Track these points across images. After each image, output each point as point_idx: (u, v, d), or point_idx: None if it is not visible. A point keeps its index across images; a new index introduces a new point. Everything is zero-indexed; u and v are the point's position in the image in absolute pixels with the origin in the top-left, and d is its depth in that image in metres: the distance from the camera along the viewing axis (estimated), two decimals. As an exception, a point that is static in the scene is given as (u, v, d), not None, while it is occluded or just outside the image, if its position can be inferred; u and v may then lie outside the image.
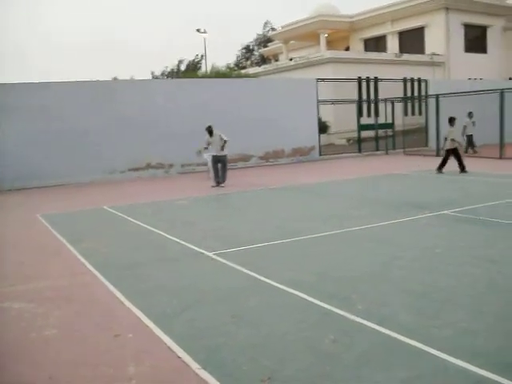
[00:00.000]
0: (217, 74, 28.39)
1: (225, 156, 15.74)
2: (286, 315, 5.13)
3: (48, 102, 18.28)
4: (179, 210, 11.84)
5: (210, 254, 7.48)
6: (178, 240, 8.55)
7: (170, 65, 63.30)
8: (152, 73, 65.35)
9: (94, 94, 19.13)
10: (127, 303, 5.65)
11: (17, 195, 16.27)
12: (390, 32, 43.89)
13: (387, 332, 4.57)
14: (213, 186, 15.52)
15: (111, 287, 6.25)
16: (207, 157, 16.60)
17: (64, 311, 5.60)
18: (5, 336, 5.01)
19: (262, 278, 6.26)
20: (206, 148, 15.98)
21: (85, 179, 18.48)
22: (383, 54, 40.12)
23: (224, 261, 7.13)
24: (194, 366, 4.14)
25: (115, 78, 30.29)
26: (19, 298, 6.06)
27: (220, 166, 15.69)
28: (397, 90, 28.28)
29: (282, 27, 50.62)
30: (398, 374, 3.85)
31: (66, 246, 8.60)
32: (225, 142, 15.56)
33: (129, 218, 10.80)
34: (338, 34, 46.84)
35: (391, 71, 32.36)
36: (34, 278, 6.87)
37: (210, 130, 15.78)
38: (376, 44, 45.15)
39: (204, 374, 3.99)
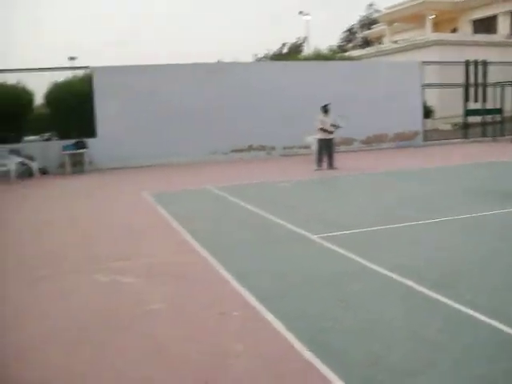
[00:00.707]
0: (319, 57, 28.10)
1: (333, 139, 15.61)
2: (392, 302, 5.01)
3: (148, 84, 18.85)
4: (282, 193, 11.87)
5: (314, 237, 7.43)
6: (281, 222, 8.56)
7: (273, 48, 63.27)
8: (255, 55, 65.75)
9: (198, 76, 19.49)
10: (233, 282, 5.70)
11: (119, 174, 16.90)
12: (502, 12, 41.70)
13: (495, 324, 4.35)
14: (316, 170, 15.39)
15: (217, 266, 6.33)
16: (312, 139, 16.46)
17: (171, 287, 5.73)
18: (115, 308, 5.19)
19: (367, 263, 6.14)
20: (322, 129, 15.67)
21: (186, 160, 18.91)
22: (493, 35, 38.22)
23: (328, 244, 7.05)
24: (300, 347, 4.11)
25: (219, 61, 30.65)
26: (128, 272, 6.27)
27: (327, 149, 15.50)
28: (507, 74, 26.86)
29: (387, 9, 49.38)
30: (501, 365, 3.69)
31: (172, 224, 8.83)
32: (338, 126, 15.42)
33: (232, 199, 10.94)
34: (445, 15, 45.08)
35: (501, 54, 30.81)
36: (141, 254, 7.09)
37: (326, 109, 15.59)
38: (486, 25, 43.06)
39: (310, 356, 3.96)
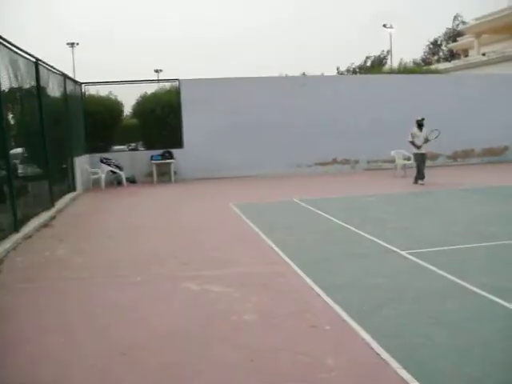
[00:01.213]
0: (404, 70, 27.68)
1: (425, 154, 15.43)
2: (487, 322, 4.88)
3: (233, 96, 19.13)
4: (367, 207, 11.76)
5: (403, 253, 7.33)
6: (368, 236, 8.49)
7: (357, 61, 62.98)
8: (337, 68, 65.59)
9: (283, 89, 19.63)
10: (323, 295, 5.71)
11: (204, 185, 17.19)
12: None
13: None
14: (415, 183, 15.21)
15: (305, 278, 6.36)
16: (396, 153, 16.19)
17: (260, 297, 5.80)
18: (208, 317, 5.30)
19: (459, 281, 6.00)
20: (412, 142, 15.49)
21: (270, 172, 19.04)
22: None
23: (417, 260, 6.94)
24: (394, 364, 4.08)
25: (304, 73, 30.77)
26: (218, 281, 6.39)
27: (421, 163, 15.28)
28: None
29: (475, 20, 48.05)
30: None
31: (258, 235, 8.94)
32: (427, 140, 15.19)
33: (318, 212, 10.94)
34: (539, 26, 43.39)
35: None
36: (231, 264, 7.22)
37: (420, 124, 15.37)
38: None
39: (404, 374, 3.92)
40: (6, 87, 9.50)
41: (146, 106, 20.04)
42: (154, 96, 20.30)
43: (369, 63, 63.17)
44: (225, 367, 4.20)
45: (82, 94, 18.93)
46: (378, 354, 4.28)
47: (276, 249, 7.89)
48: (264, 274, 6.71)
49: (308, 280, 6.29)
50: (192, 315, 5.36)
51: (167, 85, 20.63)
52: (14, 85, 10.44)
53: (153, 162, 18.40)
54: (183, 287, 6.25)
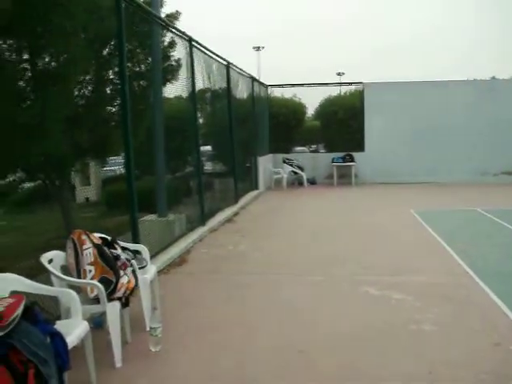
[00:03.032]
0: None
1: None
2: None
3: (414, 100, 18.52)
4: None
5: None
6: None
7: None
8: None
9: (468, 93, 18.65)
10: (508, 313, 5.34)
11: (383, 189, 16.84)
12: None
13: None
14: None
15: (489, 293, 5.98)
16: None
17: (441, 309, 5.55)
18: (387, 324, 5.20)
19: None
20: None
21: (451, 180, 18.17)
22: None
23: None
24: None
25: (494, 77, 29.05)
26: (399, 288, 6.23)
27: None
28: None
29: None
30: None
31: (440, 243, 8.58)
32: None
33: (504, 223, 10.24)
34: None
35: None
36: (412, 271, 7.00)
37: None
38: None
39: None
40: (201, 88, 10.14)
41: (329, 108, 20.20)
42: (338, 99, 20.40)
43: None
44: (401, 376, 4.09)
45: (268, 96, 19.57)
46: None
47: (458, 259, 7.51)
48: (446, 284, 6.42)
49: (492, 295, 5.89)
50: (370, 320, 5.28)
51: (350, 88, 20.64)
52: (208, 86, 11.11)
53: (334, 164, 18.48)
54: (362, 291, 6.19)
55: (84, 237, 4.40)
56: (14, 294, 3.51)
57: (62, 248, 4.47)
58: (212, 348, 4.66)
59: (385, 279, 6.64)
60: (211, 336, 4.94)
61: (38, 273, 4.38)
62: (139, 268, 4.72)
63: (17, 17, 7.12)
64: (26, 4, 7.38)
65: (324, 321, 5.31)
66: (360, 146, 18.91)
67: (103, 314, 4.23)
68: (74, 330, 3.59)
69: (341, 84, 22.08)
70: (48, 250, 4.35)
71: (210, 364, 4.34)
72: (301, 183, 18.29)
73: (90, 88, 9.95)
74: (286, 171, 18.02)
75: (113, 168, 17.23)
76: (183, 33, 9.32)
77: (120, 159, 14.54)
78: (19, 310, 3.05)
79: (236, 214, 11.98)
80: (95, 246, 4.41)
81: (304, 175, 18.26)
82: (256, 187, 15.95)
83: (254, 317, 5.46)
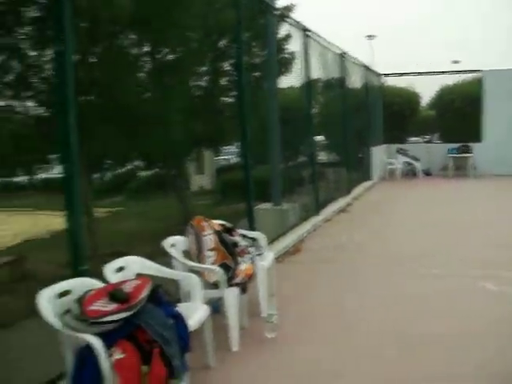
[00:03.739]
0: None
1: None
2: None
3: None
4: None
5: None
6: None
7: None
8: None
9: None
10: None
11: (504, 181, 15.95)
12: None
13: None
14: None
15: None
16: None
17: None
18: (505, 319, 4.96)
19: None
20: None
21: None
22: None
23: None
24: None
25: None
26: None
27: None
28: None
29: None
30: None
31: None
32: None
33: None
34: None
35: None
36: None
37: None
38: None
39: None
40: (314, 78, 10.12)
41: (445, 97, 19.50)
42: (455, 87, 19.63)
43: None
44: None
45: (381, 85, 19.18)
46: None
47: None
48: None
49: None
50: (486, 315, 5.06)
51: (468, 76, 19.77)
52: (321, 76, 11.08)
53: (449, 155, 17.80)
54: (479, 286, 5.93)
55: (204, 223, 4.53)
56: (139, 276, 3.67)
57: (180, 234, 4.62)
58: (325, 337, 4.65)
59: (504, 274, 6.31)
60: (325, 325, 4.93)
61: (156, 256, 4.54)
62: (257, 255, 4.79)
63: (138, 13, 7.43)
64: (149, 0, 7.69)
65: (440, 315, 5.13)
66: (477, 137, 18.08)
67: (221, 299, 4.33)
68: (195, 313, 3.69)
69: (458, 72, 21.21)
70: (165, 236, 4.51)
71: (323, 353, 4.33)
72: (415, 174, 17.81)
73: (205, 79, 10.20)
74: (399, 162, 17.62)
75: (226, 157, 17.68)
76: (298, 23, 9.33)
77: (232, 149, 14.89)
78: (146, 292, 3.18)
79: (349, 204, 11.87)
80: (215, 232, 4.52)
81: (418, 166, 17.77)
82: (369, 178, 15.73)
83: (368, 307, 5.39)
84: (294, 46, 9.70)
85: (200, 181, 13.61)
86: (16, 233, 9.62)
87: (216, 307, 4.60)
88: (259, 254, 4.86)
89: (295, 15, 9.78)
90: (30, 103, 8.02)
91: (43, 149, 8.04)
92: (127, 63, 8.28)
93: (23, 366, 4.34)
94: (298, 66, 9.70)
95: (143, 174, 12.51)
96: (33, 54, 7.52)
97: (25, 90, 7.81)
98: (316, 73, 10.54)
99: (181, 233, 4.65)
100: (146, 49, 8.83)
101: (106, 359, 2.80)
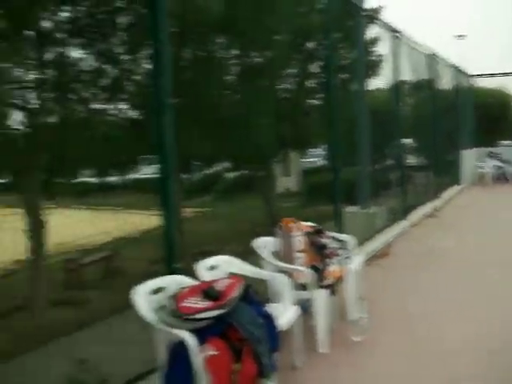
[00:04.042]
0: None
1: None
2: None
3: None
4: None
5: None
6: None
7: None
8: None
9: None
10: None
11: None
12: None
13: None
14: None
15: None
16: None
17: None
18: None
19: None
20: None
21: None
22: None
23: None
24: None
25: None
26: None
27: None
28: None
29: None
30: None
31: None
32: None
33: None
34: None
35: None
36: None
37: None
38: None
39: None
40: (402, 80, 9.96)
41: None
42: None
43: None
44: None
45: (471, 86, 18.57)
46: None
47: None
48: None
49: None
50: None
51: None
52: (410, 78, 10.87)
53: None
54: None
55: (293, 225, 4.54)
56: (230, 275, 3.72)
57: (265, 235, 4.65)
58: (415, 343, 4.55)
59: None
60: (414, 330, 4.83)
61: (242, 256, 4.58)
62: (345, 258, 4.75)
63: (228, 17, 7.54)
64: (237, 4, 7.79)
65: None
66: None
67: (309, 300, 4.32)
68: (284, 313, 3.71)
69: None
70: (251, 237, 4.54)
71: (412, 359, 4.24)
72: (506, 179, 17.13)
73: (292, 81, 10.23)
74: (490, 166, 17.00)
75: (311, 159, 17.64)
76: (387, 24, 9.20)
77: (318, 151, 14.84)
78: (238, 291, 3.23)
79: (437, 208, 11.58)
80: (304, 233, 4.53)
81: (510, 170, 17.08)
82: (458, 182, 15.28)
83: (459, 314, 5.23)
84: (382, 47, 9.57)
85: (286, 183, 13.64)
86: (107, 231, 9.98)
87: (304, 308, 4.60)
88: (348, 257, 4.83)
89: (383, 17, 9.67)
90: (122, 106, 8.32)
91: (134, 150, 8.30)
92: (216, 66, 8.42)
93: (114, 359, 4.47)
94: (385, 68, 9.56)
95: (230, 175, 12.68)
96: (126, 58, 7.80)
97: (118, 93, 8.11)
98: (405, 74, 10.35)
99: (267, 234, 4.68)
100: (234, 52, 8.96)
101: (198, 355, 2.85)
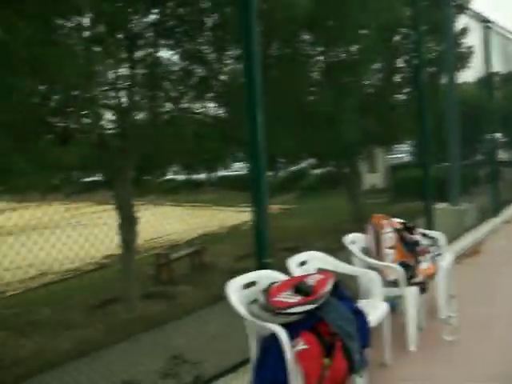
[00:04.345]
0: None
1: None
2: None
3: None
4: None
5: None
6: None
7: None
8: None
9: None
10: None
11: None
12: None
13: None
14: None
15: None
16: None
17: None
18: None
19: None
20: None
21: None
22: None
23: None
24: None
25: None
26: None
27: None
28: None
29: None
30: None
31: None
32: None
33: None
34: None
35: None
36: None
37: None
38: None
39: None
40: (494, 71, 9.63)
41: None
42: None
43: None
44: None
45: None
46: None
47: None
48: None
49: None
50: None
51: None
52: (503, 70, 10.51)
53: None
54: None
55: (384, 221, 4.51)
56: (320, 271, 3.75)
57: (352, 231, 4.63)
58: (503, 342, 4.41)
59: None
60: (503, 330, 4.68)
61: (330, 252, 4.58)
62: (436, 255, 4.67)
63: (314, 13, 7.54)
64: (324, 2, 7.78)
65: None
66: None
67: (398, 298, 4.28)
68: (374, 310, 3.70)
69: None
70: (336, 233, 4.53)
71: (500, 358, 4.11)
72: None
73: (379, 76, 10.11)
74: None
75: (398, 155, 17.31)
76: (478, 14, 8.91)
77: (404, 147, 14.55)
78: (329, 287, 3.25)
79: (531, 205, 11.12)
80: (395, 230, 4.49)
81: None
82: (554, 178, 14.58)
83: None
84: (472, 38, 9.29)
85: (372, 179, 13.48)
86: (196, 227, 10.22)
87: (392, 305, 4.56)
88: (439, 254, 4.74)
89: (473, 7, 9.38)
90: (210, 105, 8.49)
91: (221, 148, 8.45)
92: (302, 63, 8.45)
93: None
94: (475, 60, 9.27)
95: (315, 172, 12.68)
96: (213, 58, 7.95)
97: (206, 92, 8.28)
98: (496, 66, 9.99)
99: (352, 231, 4.66)
100: (320, 48, 8.95)
101: (290, 349, 2.89)
